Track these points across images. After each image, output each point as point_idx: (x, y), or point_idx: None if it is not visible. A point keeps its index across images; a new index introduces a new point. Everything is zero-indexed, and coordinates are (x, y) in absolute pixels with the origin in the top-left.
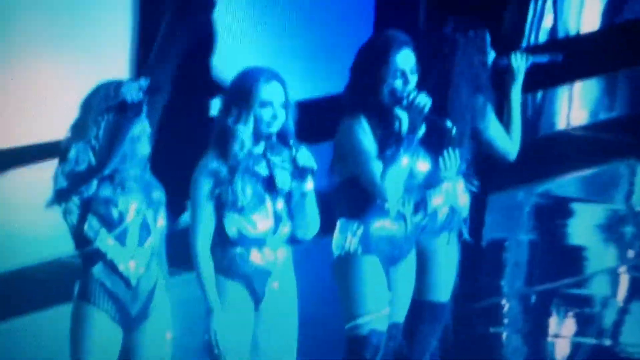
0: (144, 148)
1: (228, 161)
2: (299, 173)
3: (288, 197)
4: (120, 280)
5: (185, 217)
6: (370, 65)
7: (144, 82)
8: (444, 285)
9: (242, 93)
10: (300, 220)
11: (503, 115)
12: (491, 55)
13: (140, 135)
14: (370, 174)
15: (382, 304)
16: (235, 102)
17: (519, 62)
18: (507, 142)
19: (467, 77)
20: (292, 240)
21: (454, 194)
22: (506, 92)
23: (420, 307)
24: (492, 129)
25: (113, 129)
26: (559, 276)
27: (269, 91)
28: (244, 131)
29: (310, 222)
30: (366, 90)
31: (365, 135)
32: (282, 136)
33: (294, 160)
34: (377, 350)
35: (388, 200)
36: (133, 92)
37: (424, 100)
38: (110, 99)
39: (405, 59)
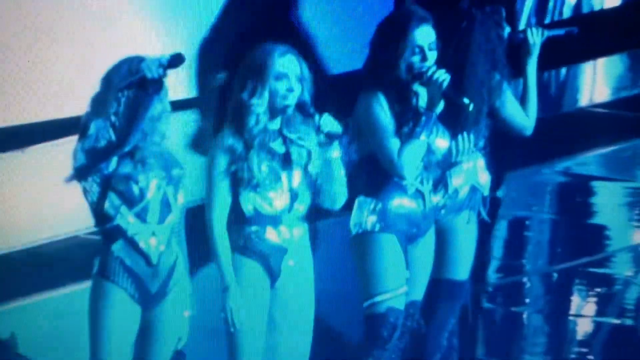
0: (165, 125)
1: (243, 136)
2: (325, 140)
3: (306, 172)
4: (140, 257)
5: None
6: (388, 41)
7: (164, 58)
8: (463, 264)
9: (256, 66)
10: (327, 190)
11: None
12: (506, 30)
13: (161, 112)
14: (387, 150)
15: (399, 282)
16: (250, 76)
17: (535, 37)
18: (524, 117)
19: (484, 52)
20: (319, 211)
21: (475, 172)
22: (522, 67)
23: (439, 286)
24: (509, 105)
25: (133, 106)
26: (580, 255)
27: (283, 64)
28: (259, 105)
29: (338, 191)
30: (384, 66)
31: (383, 112)
32: (300, 108)
33: (318, 127)
34: (395, 328)
35: (405, 177)
36: (153, 68)
37: (443, 76)
38: (130, 75)
39: (425, 35)
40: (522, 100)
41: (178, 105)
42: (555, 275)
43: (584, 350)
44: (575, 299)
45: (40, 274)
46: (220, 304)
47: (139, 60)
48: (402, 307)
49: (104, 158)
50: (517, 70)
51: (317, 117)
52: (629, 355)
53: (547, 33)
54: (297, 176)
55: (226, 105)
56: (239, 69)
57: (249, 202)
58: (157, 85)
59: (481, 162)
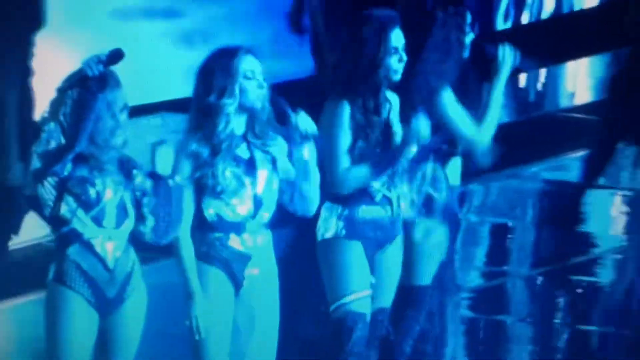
0: (122, 130)
1: (210, 142)
2: (299, 139)
3: (270, 178)
4: (97, 261)
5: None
6: (366, 45)
7: (103, 54)
8: (426, 269)
9: (224, 67)
10: (300, 194)
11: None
12: (470, 36)
13: (109, 110)
14: (333, 166)
15: (361, 286)
16: (217, 77)
17: (507, 57)
18: (471, 128)
19: (438, 54)
20: (291, 217)
21: (434, 179)
22: (489, 80)
23: (402, 292)
24: (451, 115)
25: (78, 106)
26: (560, 261)
27: (250, 62)
28: (231, 104)
29: (311, 195)
30: (362, 70)
31: (343, 124)
32: (274, 104)
33: (295, 127)
34: (351, 332)
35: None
36: (92, 65)
37: None
38: (71, 75)
39: (398, 37)
40: (481, 112)
41: (143, 110)
42: (536, 280)
43: (565, 357)
44: (555, 306)
45: (2, 282)
46: (185, 312)
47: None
48: (365, 311)
49: (57, 161)
50: (482, 81)
51: (292, 115)
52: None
53: (518, 62)
54: (261, 182)
55: (191, 111)
56: (200, 73)
57: (212, 208)
58: (99, 83)
59: (437, 170)
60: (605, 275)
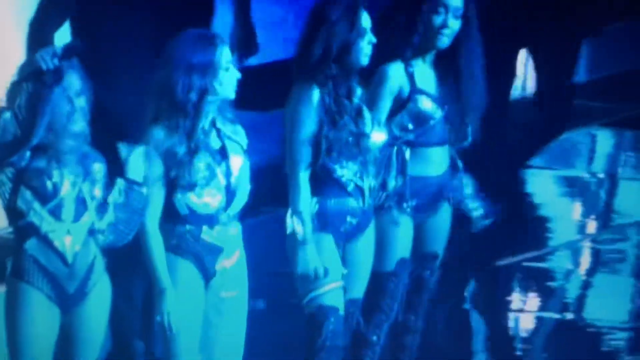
0: (80, 122)
1: (188, 140)
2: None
3: (241, 167)
4: (55, 256)
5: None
6: (335, 27)
7: (59, 47)
8: (393, 255)
9: (204, 61)
10: None
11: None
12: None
13: (72, 107)
14: (294, 158)
15: (332, 278)
16: (197, 75)
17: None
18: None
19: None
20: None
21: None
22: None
23: (372, 280)
24: (382, 86)
25: (33, 99)
26: (520, 249)
27: (227, 53)
28: (214, 102)
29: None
30: (328, 54)
31: (310, 111)
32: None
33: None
34: (323, 325)
35: (295, 205)
36: (47, 59)
37: None
38: (25, 66)
39: (367, 18)
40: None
41: None
42: (495, 271)
43: (526, 346)
44: (516, 295)
45: None
46: (155, 307)
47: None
48: (337, 304)
49: (13, 152)
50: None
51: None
52: (571, 350)
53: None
54: (234, 171)
55: (159, 104)
56: (175, 66)
57: (184, 201)
58: (55, 76)
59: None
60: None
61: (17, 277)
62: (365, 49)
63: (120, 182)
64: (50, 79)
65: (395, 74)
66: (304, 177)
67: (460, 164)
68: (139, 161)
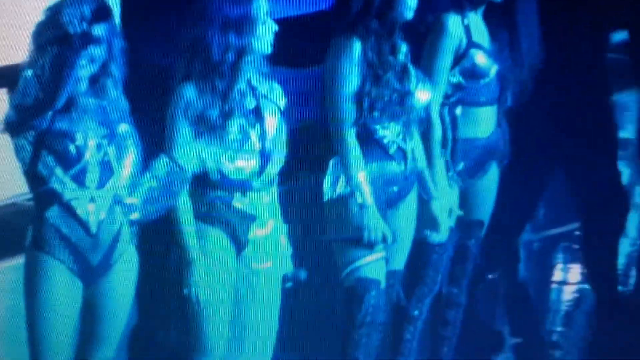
0: (109, 78)
1: (223, 102)
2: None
3: (278, 130)
4: (78, 225)
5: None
6: None
7: (87, 9)
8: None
9: (240, 17)
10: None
11: None
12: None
13: (99, 69)
14: (337, 117)
15: (375, 248)
16: (234, 33)
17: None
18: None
19: None
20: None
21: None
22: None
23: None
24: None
25: (58, 62)
26: (566, 220)
27: (264, 4)
28: (252, 62)
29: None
30: (371, 6)
31: (352, 66)
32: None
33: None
34: (364, 300)
35: (348, 166)
36: (75, 22)
37: None
38: (51, 29)
39: None
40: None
41: None
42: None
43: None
44: (559, 266)
45: None
46: (183, 279)
47: (60, 10)
48: (378, 276)
49: (34, 115)
50: None
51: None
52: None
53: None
54: (270, 133)
55: (192, 63)
56: (210, 23)
57: (215, 164)
58: (82, 40)
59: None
60: None
61: (37, 247)
62: (410, 1)
63: (163, 158)
64: (78, 43)
65: (454, 27)
66: (351, 135)
67: (505, 123)
68: (189, 146)
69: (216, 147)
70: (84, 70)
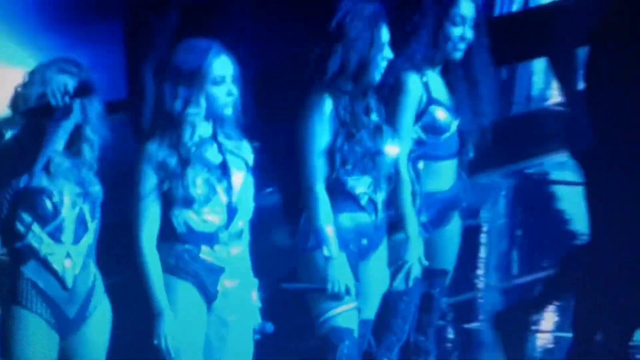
0: (82, 142)
1: (178, 151)
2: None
3: (245, 183)
4: (55, 280)
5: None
6: (354, 41)
7: (71, 85)
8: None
9: (189, 72)
10: None
11: None
12: (461, 29)
13: (75, 132)
14: (308, 172)
15: (347, 298)
16: (182, 83)
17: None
18: (401, 138)
19: (417, 36)
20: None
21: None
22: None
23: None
24: (406, 96)
25: (38, 128)
26: (542, 266)
27: (222, 65)
28: (197, 114)
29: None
30: (353, 68)
31: (323, 123)
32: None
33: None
34: (338, 349)
35: (316, 219)
36: (58, 96)
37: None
38: (34, 96)
39: (386, 33)
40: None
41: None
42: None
43: None
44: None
45: None
46: (153, 330)
47: (43, 77)
48: (352, 326)
49: (12, 175)
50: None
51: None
52: None
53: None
54: (236, 187)
55: (153, 114)
56: (165, 74)
57: (182, 218)
58: (64, 112)
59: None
60: None
61: (14, 302)
62: (381, 65)
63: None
64: (60, 115)
65: (414, 85)
66: (321, 189)
67: (464, 175)
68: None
69: (182, 201)
70: (63, 138)
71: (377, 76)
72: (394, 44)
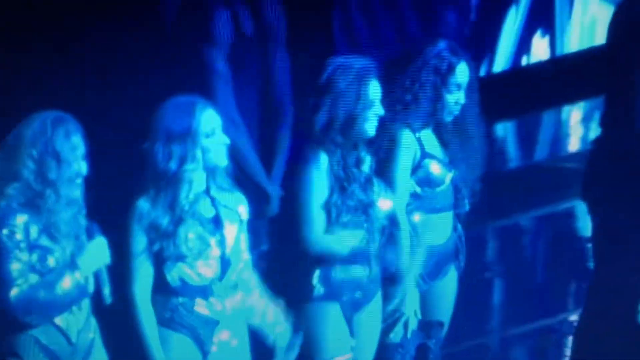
0: (78, 189)
1: (172, 211)
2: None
3: (238, 235)
4: (59, 335)
5: None
6: (341, 97)
7: (77, 140)
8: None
9: (182, 131)
10: None
11: None
12: (455, 95)
13: (75, 175)
14: (307, 225)
15: (340, 351)
16: (175, 143)
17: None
18: (396, 195)
19: (410, 90)
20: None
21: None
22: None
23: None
24: (399, 152)
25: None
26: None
27: (210, 118)
28: (194, 169)
29: None
30: (340, 122)
31: (319, 177)
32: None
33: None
34: None
35: (316, 256)
36: (67, 150)
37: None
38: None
39: (376, 89)
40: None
41: None
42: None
43: None
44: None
45: None
46: None
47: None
48: None
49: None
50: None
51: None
52: None
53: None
54: (229, 240)
55: (143, 175)
56: (155, 136)
57: (175, 273)
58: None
59: None
60: None
61: (16, 357)
62: (372, 120)
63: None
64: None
65: (408, 139)
66: (325, 240)
67: (460, 228)
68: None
69: (174, 257)
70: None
71: (368, 130)
72: (388, 101)
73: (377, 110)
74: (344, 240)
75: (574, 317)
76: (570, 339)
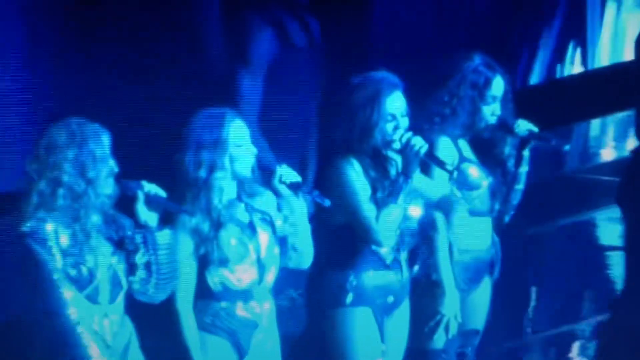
0: (112, 187)
1: (210, 215)
2: (284, 192)
3: (271, 240)
4: (96, 338)
5: None
6: (361, 110)
7: (107, 139)
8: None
9: (212, 139)
10: (291, 247)
11: None
12: (491, 106)
13: (109, 173)
14: (362, 217)
15: (373, 355)
16: (205, 152)
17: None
18: (434, 190)
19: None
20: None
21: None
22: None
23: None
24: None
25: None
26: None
27: (239, 129)
28: (224, 177)
29: (304, 249)
30: (359, 134)
31: (357, 177)
32: (260, 168)
33: (279, 178)
34: None
35: (382, 244)
36: (100, 147)
37: (420, 143)
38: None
39: (396, 102)
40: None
41: None
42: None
43: None
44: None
45: None
46: None
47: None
48: None
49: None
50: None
51: (277, 170)
52: None
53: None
54: (263, 245)
55: (179, 183)
56: (187, 145)
57: (217, 278)
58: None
59: None
60: None
61: None
62: (391, 133)
63: (137, 238)
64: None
65: (445, 145)
66: (382, 223)
67: (498, 240)
68: (146, 205)
69: (217, 261)
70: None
71: (387, 140)
72: (426, 114)
73: (399, 122)
74: (391, 212)
75: (594, 322)
76: (593, 343)
